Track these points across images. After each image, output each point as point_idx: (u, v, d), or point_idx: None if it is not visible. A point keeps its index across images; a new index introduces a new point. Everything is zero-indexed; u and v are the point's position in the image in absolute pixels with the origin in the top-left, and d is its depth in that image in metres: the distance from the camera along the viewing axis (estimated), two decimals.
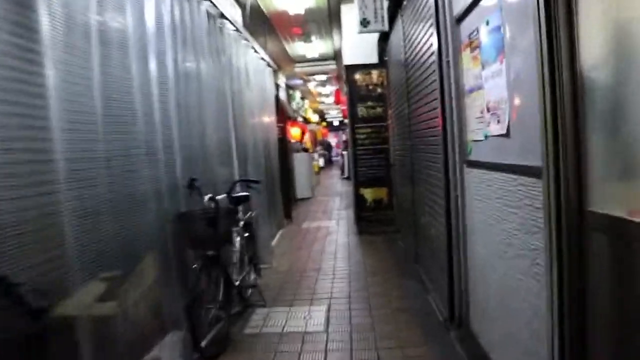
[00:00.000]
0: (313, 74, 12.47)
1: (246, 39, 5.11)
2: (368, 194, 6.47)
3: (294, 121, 11.83)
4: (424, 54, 3.32)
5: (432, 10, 2.86)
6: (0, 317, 1.47)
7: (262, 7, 6.45)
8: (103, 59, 2.07)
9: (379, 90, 6.33)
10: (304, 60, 10.60)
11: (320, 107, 22.66)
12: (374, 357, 2.76)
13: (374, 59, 6.30)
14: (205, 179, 3.41)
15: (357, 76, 6.35)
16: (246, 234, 3.83)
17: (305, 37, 8.55)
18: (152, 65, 2.62)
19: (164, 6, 2.78)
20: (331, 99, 18.39)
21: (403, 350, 2.80)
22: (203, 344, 2.71)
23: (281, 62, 9.95)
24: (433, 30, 2.87)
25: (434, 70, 2.99)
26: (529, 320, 1.79)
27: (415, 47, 3.63)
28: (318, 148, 19.61)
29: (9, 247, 1.49)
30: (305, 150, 11.91)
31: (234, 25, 4.63)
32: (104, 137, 2.05)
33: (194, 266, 2.93)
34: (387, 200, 6.43)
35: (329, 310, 3.59)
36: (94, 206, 1.95)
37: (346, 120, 7.92)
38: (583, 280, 1.44)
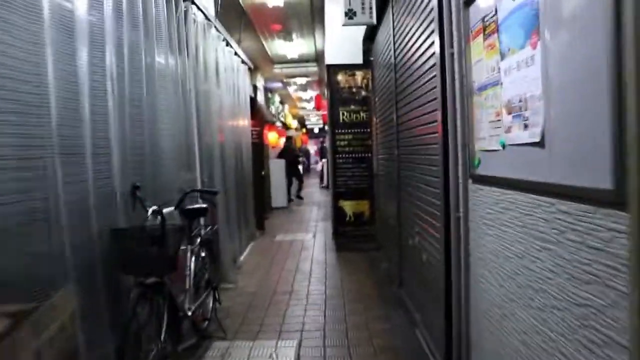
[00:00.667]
0: (293, 76, 11.94)
1: (217, 29, 4.55)
2: (348, 206, 5.95)
3: (271, 125, 11.27)
4: (419, 47, 2.84)
5: None
6: None
7: None
8: None
9: (363, 93, 5.85)
10: (284, 61, 10.06)
11: (301, 112, 22.19)
12: None
13: (358, 59, 5.81)
14: (156, 186, 2.86)
15: (340, 77, 5.86)
16: (203, 254, 3.25)
17: (286, 35, 8.01)
18: (81, 44, 2.08)
19: None
20: (311, 105, 17.94)
21: None
22: None
23: (259, 62, 9.38)
24: (434, 16, 2.39)
25: (433, 65, 2.51)
26: None
27: (409, 41, 3.14)
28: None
29: None
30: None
31: (203, 12, 4.07)
32: None
33: (131, 296, 2.35)
34: (369, 214, 5.92)
35: (299, 346, 3.04)
36: None
37: (327, 127, 7.41)
38: None
